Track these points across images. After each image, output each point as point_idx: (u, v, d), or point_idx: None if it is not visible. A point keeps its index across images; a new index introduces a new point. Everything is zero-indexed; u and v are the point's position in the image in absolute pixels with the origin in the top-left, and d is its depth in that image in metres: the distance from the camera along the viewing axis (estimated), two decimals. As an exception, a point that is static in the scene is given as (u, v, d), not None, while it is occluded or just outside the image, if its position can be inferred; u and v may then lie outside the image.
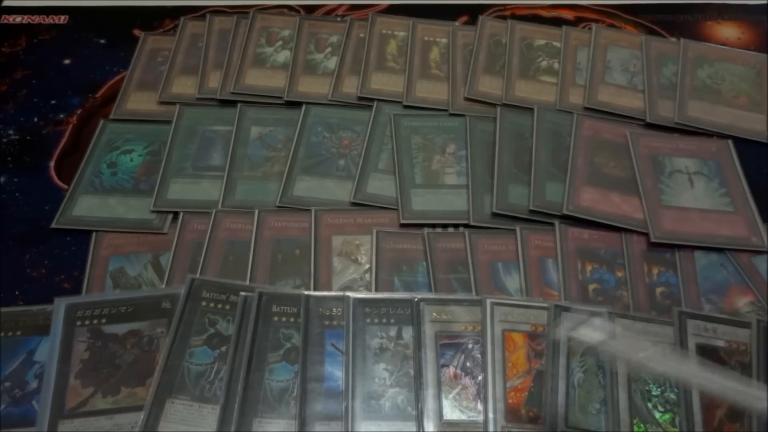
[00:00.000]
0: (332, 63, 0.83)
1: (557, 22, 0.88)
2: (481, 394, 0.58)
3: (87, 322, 0.62)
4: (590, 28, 0.86)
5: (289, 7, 0.91)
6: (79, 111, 0.80)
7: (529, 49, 0.84)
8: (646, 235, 0.68)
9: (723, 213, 0.70)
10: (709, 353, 0.60)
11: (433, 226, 0.70)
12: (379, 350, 0.60)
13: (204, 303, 0.63)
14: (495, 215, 0.70)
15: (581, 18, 0.90)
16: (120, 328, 0.62)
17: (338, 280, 0.66)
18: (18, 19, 0.90)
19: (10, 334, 0.62)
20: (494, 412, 0.57)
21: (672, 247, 0.68)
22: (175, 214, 0.71)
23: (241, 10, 0.89)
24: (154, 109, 0.80)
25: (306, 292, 0.63)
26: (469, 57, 0.83)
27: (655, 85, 0.81)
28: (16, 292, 0.66)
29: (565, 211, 0.69)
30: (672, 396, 0.58)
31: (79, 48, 0.87)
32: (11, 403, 0.58)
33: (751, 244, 0.68)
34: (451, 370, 0.59)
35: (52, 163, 0.76)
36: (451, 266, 0.67)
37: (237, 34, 0.85)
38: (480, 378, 0.59)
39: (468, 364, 0.60)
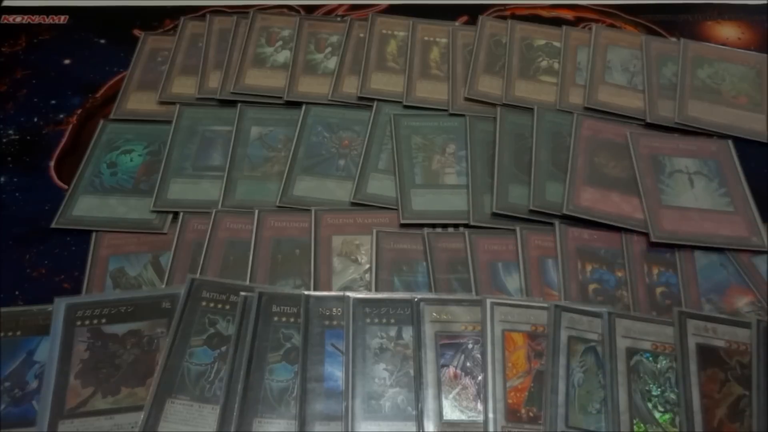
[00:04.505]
0: (332, 63, 0.83)
1: (557, 22, 0.88)
2: (481, 394, 0.58)
3: (87, 322, 0.61)
4: (590, 28, 0.86)
5: (289, 7, 0.91)
6: (79, 111, 0.80)
7: (529, 49, 0.84)
8: (646, 235, 0.68)
9: (723, 213, 0.70)
10: (709, 353, 0.60)
11: (433, 226, 0.70)
12: (379, 350, 0.60)
13: (204, 303, 0.63)
14: (495, 215, 0.70)
15: (581, 18, 0.90)
16: (120, 328, 0.62)
17: (338, 280, 0.66)
18: (18, 19, 0.90)
19: (10, 334, 0.62)
20: (494, 412, 0.57)
21: (672, 247, 0.68)
22: (175, 214, 0.71)
23: (241, 10, 0.89)
24: (154, 109, 0.80)
25: (306, 292, 0.63)
26: (469, 57, 0.83)
27: (655, 85, 0.81)
28: (16, 292, 0.66)
29: (565, 211, 0.69)
30: (672, 396, 0.58)
31: (79, 48, 0.87)
32: (11, 403, 0.58)
33: (751, 244, 0.68)
34: (451, 370, 0.59)
35: (52, 163, 0.76)
36: (451, 266, 0.67)
37: (237, 34, 0.85)
38: (480, 378, 0.59)
39: (468, 364, 0.60)
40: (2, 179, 0.74)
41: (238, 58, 0.83)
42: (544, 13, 0.91)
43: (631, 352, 0.60)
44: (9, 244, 0.69)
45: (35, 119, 0.80)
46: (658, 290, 0.66)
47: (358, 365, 0.59)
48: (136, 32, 0.88)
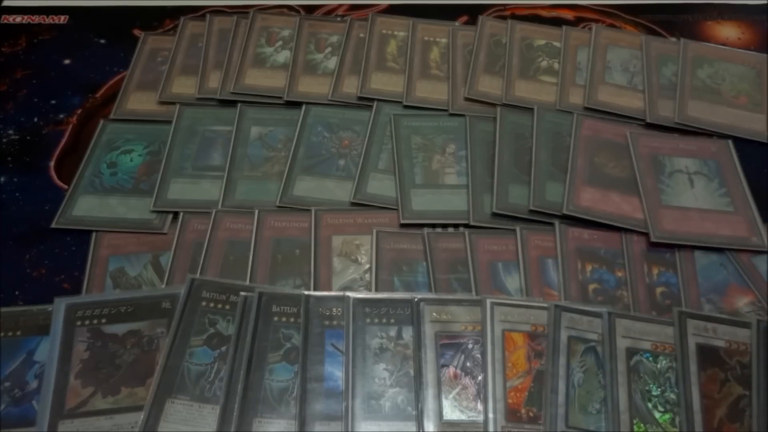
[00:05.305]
0: (332, 63, 0.83)
1: (557, 22, 0.88)
2: (481, 394, 0.58)
3: (87, 322, 0.61)
4: (590, 28, 0.86)
5: (289, 7, 0.91)
6: (79, 111, 0.81)
7: (529, 49, 0.84)
8: (646, 235, 0.68)
9: (723, 213, 0.70)
10: (709, 353, 0.60)
11: (433, 226, 0.70)
12: (379, 350, 0.60)
13: (204, 303, 0.63)
14: (495, 215, 0.70)
15: (581, 18, 0.90)
16: (120, 328, 0.62)
17: (338, 280, 0.66)
18: (18, 19, 0.90)
19: (10, 334, 0.62)
20: (494, 412, 0.57)
21: (672, 247, 0.68)
22: (175, 214, 0.71)
23: (241, 10, 0.89)
24: (154, 109, 0.80)
25: (306, 292, 0.63)
26: (469, 57, 0.83)
27: (655, 85, 0.81)
28: (16, 292, 0.66)
29: (565, 211, 0.69)
30: (672, 396, 0.58)
31: (79, 48, 0.87)
32: (11, 403, 0.58)
33: (751, 244, 0.68)
34: (451, 370, 0.59)
35: (52, 163, 0.76)
36: (451, 266, 0.67)
37: (237, 34, 0.85)
38: (480, 378, 0.59)
39: (468, 364, 0.60)
40: (2, 179, 0.74)
41: (238, 58, 0.83)
42: (544, 13, 0.91)
43: (631, 352, 0.60)
44: (9, 244, 0.69)
45: (35, 119, 0.80)
46: (658, 290, 0.66)
47: (358, 365, 0.59)
48: (136, 32, 0.88)
